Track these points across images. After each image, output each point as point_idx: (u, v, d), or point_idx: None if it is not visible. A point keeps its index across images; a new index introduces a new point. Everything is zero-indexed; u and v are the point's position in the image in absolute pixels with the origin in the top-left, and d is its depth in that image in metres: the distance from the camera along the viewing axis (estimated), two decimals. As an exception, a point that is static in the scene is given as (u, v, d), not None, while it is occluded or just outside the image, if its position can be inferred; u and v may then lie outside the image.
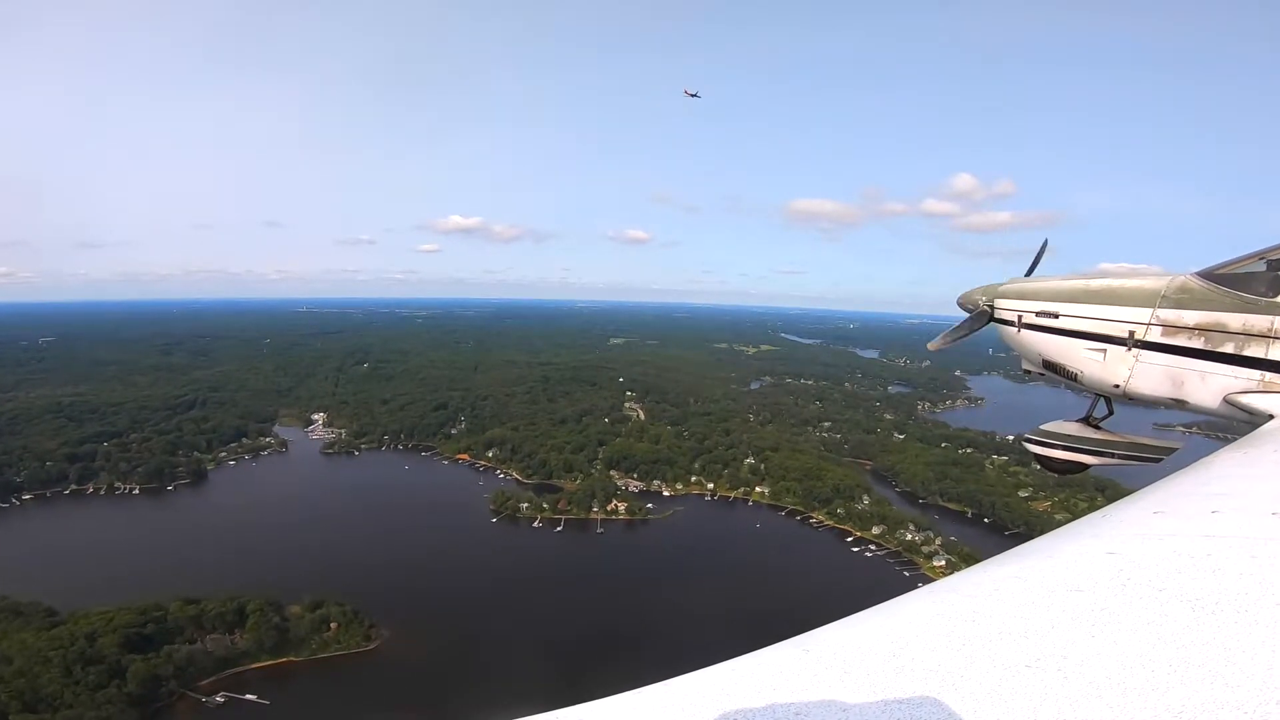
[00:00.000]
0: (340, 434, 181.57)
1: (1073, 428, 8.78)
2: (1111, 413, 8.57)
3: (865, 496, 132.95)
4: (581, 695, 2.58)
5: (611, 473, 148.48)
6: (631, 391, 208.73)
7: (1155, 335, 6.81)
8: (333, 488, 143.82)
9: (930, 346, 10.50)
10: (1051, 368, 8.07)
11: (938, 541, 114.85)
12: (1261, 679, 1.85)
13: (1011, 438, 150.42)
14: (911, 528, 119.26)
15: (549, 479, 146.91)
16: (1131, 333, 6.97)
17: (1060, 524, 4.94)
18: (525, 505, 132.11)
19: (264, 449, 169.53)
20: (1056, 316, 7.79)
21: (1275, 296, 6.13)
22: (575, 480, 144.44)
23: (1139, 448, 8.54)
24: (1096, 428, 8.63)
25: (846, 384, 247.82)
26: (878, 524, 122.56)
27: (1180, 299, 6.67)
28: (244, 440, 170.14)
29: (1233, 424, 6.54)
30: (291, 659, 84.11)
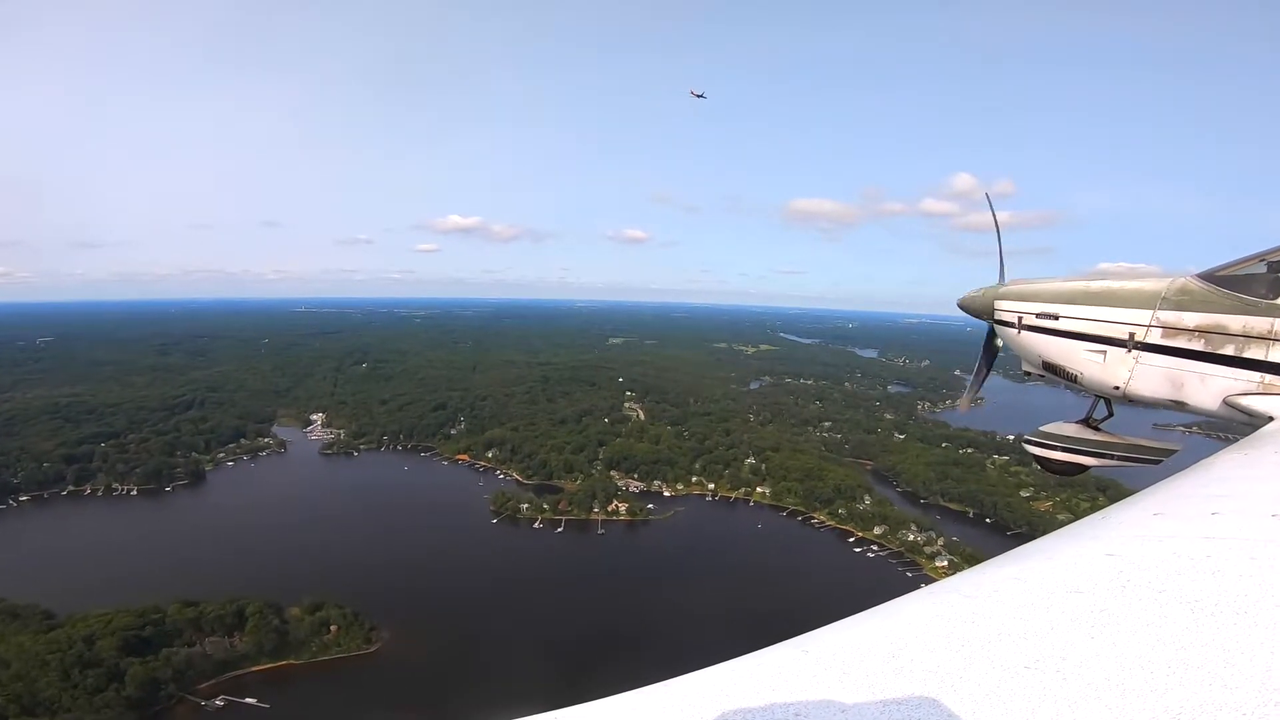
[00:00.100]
0: (339, 434, 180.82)
1: (1072, 429, 8.80)
2: (1111, 414, 8.57)
3: (866, 497, 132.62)
4: (581, 695, 2.60)
5: (612, 473, 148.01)
6: (631, 391, 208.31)
7: (1155, 337, 6.81)
8: (332, 488, 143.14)
9: (961, 411, 10.56)
10: (1051, 369, 8.08)
11: (940, 542, 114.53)
12: (1260, 680, 1.86)
13: (1012, 438, 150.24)
14: (913, 528, 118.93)
15: (549, 479, 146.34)
16: (1131, 334, 6.98)
17: (1062, 524, 4.79)
18: (525, 506, 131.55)
19: (262, 449, 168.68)
20: (1056, 318, 7.80)
21: (1275, 298, 6.12)
22: (576, 481, 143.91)
23: (1138, 449, 8.58)
24: (1096, 429, 8.66)
25: (846, 384, 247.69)
26: (879, 524, 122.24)
27: (1180, 301, 6.67)
28: (242, 441, 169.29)
29: (1232, 425, 6.52)
30: (291, 662, 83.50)
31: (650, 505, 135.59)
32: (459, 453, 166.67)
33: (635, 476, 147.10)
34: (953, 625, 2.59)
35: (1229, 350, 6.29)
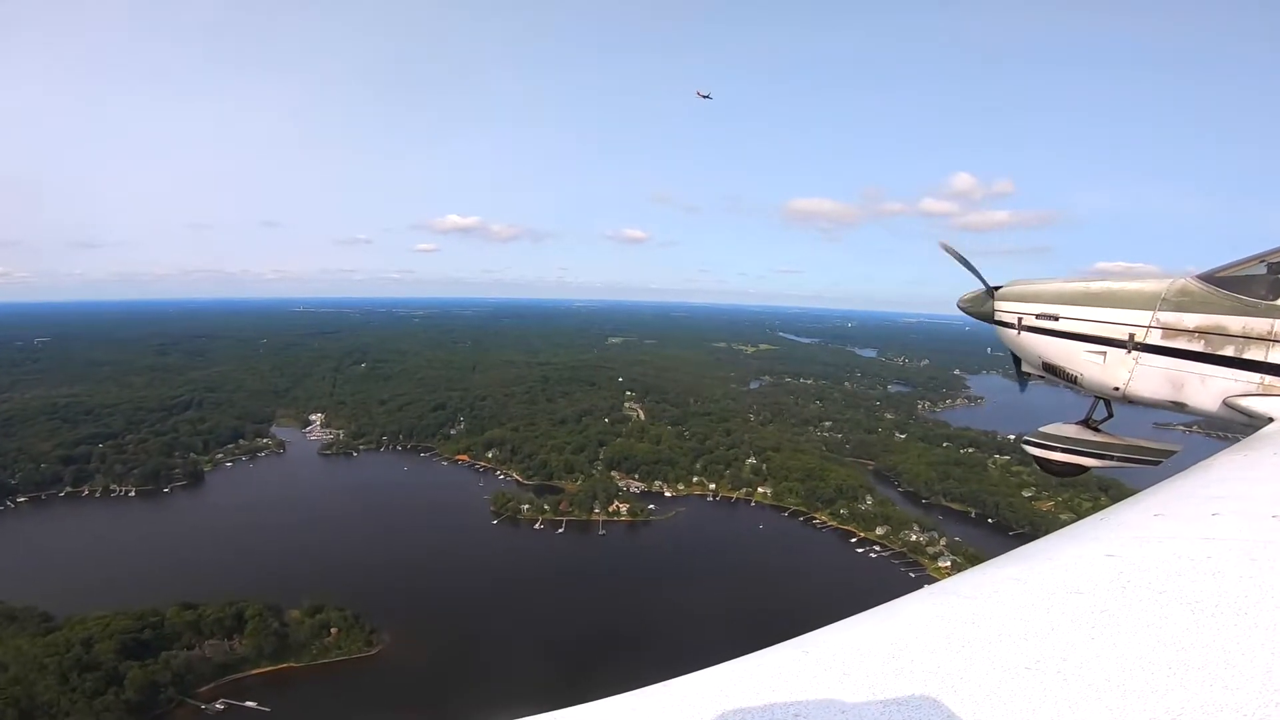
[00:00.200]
0: (338, 435, 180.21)
1: (1072, 430, 8.74)
2: (1111, 415, 8.52)
3: (868, 497, 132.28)
4: (581, 696, 2.62)
5: (612, 473, 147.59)
6: (631, 391, 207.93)
7: (1155, 338, 6.82)
8: (331, 489, 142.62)
9: (1022, 391, 10.45)
10: (1051, 370, 8.07)
11: (942, 542, 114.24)
12: (1261, 681, 1.86)
13: (1013, 437, 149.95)
14: (916, 528, 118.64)
15: (549, 480, 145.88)
16: (1131, 335, 6.98)
17: (1064, 524, 4.76)
18: (526, 507, 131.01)
19: (261, 450, 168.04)
20: (1056, 319, 7.79)
21: (1275, 299, 6.12)
22: (576, 481, 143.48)
23: (1138, 450, 8.55)
24: (1096, 430, 8.61)
25: (846, 383, 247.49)
26: (881, 525, 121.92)
27: (1180, 302, 6.67)
28: (241, 441, 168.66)
29: (1232, 425, 6.52)
30: (292, 665, 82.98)
31: (651, 506, 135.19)
32: (459, 453, 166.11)
33: (636, 477, 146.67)
34: (953, 626, 2.59)
35: (1229, 351, 6.30)
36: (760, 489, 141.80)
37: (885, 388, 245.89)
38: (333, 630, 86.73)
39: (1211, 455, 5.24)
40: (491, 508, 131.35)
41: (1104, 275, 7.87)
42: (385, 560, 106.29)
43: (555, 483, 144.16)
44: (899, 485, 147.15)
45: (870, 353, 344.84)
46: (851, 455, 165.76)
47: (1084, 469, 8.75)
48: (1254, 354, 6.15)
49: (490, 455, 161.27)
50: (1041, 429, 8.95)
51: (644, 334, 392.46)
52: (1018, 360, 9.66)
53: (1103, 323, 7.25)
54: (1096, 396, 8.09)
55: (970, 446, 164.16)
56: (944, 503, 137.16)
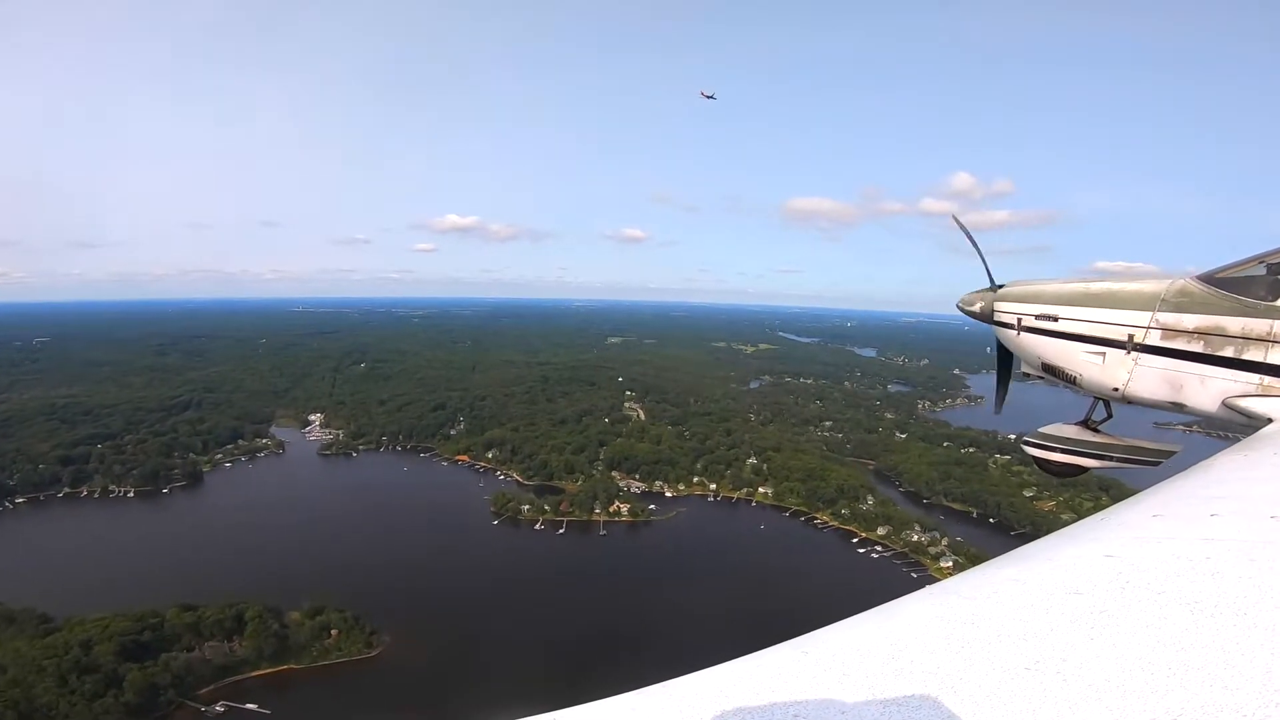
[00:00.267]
0: (338, 435, 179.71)
1: (1071, 431, 8.76)
2: (1110, 415, 8.53)
3: (869, 497, 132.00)
4: (582, 696, 2.62)
5: (613, 474, 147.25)
6: (631, 391, 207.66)
7: (1154, 339, 6.85)
8: (331, 490, 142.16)
9: (996, 414, 10.67)
10: (1051, 371, 8.08)
11: (944, 542, 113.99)
12: (1260, 682, 1.87)
13: (1014, 437, 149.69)
14: (917, 528, 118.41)
15: (550, 480, 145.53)
16: (1131, 336, 7.00)
17: (1066, 524, 4.73)
18: (526, 507, 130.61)
19: (260, 450, 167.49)
20: (1056, 320, 7.80)
21: (1274, 300, 6.13)
22: (576, 481, 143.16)
23: (1137, 451, 8.57)
24: (1095, 431, 8.63)
25: (846, 383, 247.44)
26: (883, 525, 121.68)
27: (1179, 302, 6.70)
28: (240, 442, 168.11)
29: (1232, 425, 6.53)
30: (292, 666, 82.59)
31: (652, 506, 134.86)
32: (459, 453, 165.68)
33: (636, 477, 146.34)
34: (952, 626, 2.59)
35: (1228, 352, 6.32)
36: (761, 489, 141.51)
37: (885, 387, 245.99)
38: (333, 632, 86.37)
39: (1211, 456, 5.23)
40: (492, 508, 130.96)
41: (1103, 275, 7.92)
42: (385, 561, 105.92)
43: (556, 483, 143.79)
44: (900, 485, 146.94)
45: (870, 352, 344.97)
46: (852, 455, 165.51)
47: (1083, 470, 8.77)
48: (1253, 355, 6.17)
49: (490, 455, 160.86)
50: (1041, 429, 8.95)
51: (643, 334, 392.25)
52: (1002, 374, 9.81)
53: (1102, 323, 7.26)
54: (1096, 397, 8.10)
55: (971, 446, 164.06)
56: (945, 503, 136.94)
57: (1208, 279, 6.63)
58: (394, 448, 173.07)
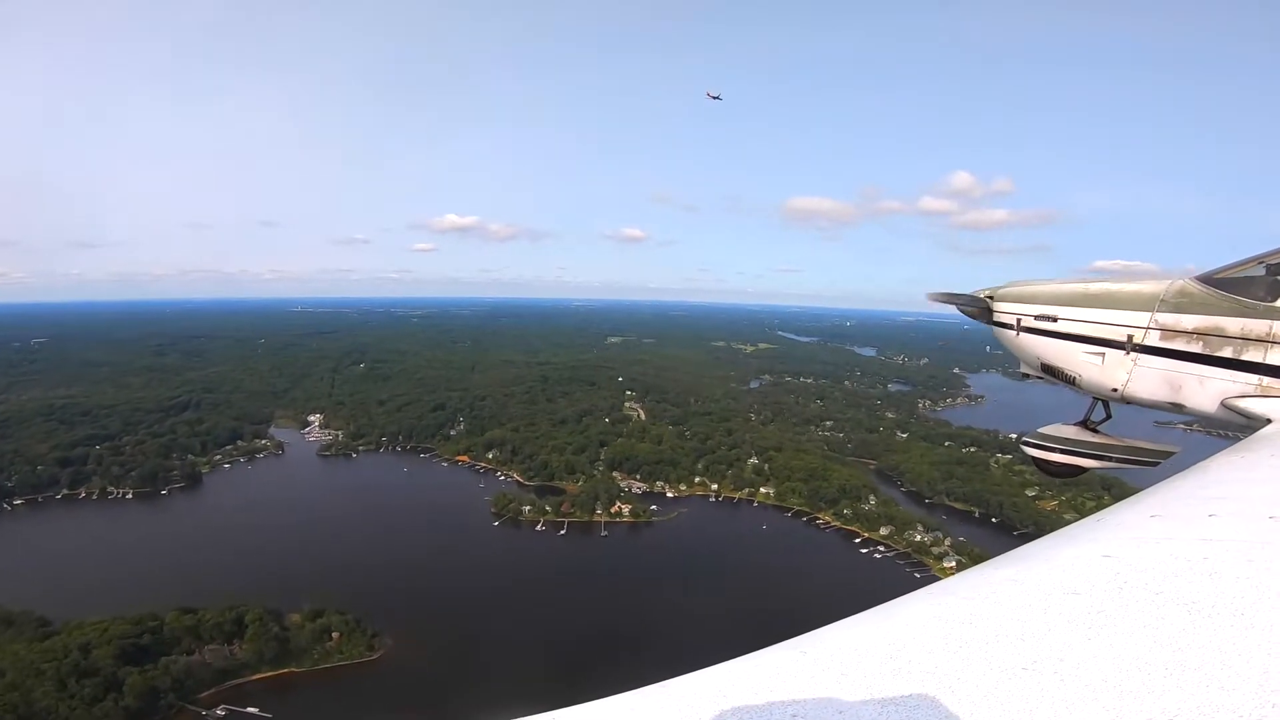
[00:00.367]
0: (337, 435, 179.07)
1: (1071, 431, 8.73)
2: (1110, 416, 8.52)
3: (871, 497, 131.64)
4: (582, 696, 2.62)
5: (614, 474, 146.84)
6: (631, 391, 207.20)
7: (1154, 339, 6.86)
8: (331, 491, 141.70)
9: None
10: (1050, 371, 8.09)
11: (947, 542, 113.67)
12: (1258, 682, 1.87)
13: (1014, 436, 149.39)
14: (920, 528, 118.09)
15: (550, 481, 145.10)
16: (1130, 336, 7.02)
17: (1068, 524, 4.66)
18: (527, 508, 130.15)
19: (260, 451, 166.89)
20: (1055, 320, 7.80)
21: (1274, 301, 6.13)
22: (577, 482, 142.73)
23: (1137, 451, 8.56)
24: (1094, 431, 8.62)
25: (846, 382, 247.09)
26: (885, 524, 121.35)
27: (1179, 303, 6.71)
28: (239, 442, 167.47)
29: (1232, 426, 6.53)
30: (293, 670, 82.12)
31: (653, 506, 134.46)
32: (459, 454, 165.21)
33: (638, 477, 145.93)
34: (951, 626, 2.60)
35: (1227, 353, 6.34)
36: (763, 489, 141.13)
37: (885, 386, 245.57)
38: (334, 635, 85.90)
39: (1209, 456, 5.22)
40: (493, 509, 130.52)
41: (1102, 275, 7.95)
42: (386, 562, 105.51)
43: (556, 484, 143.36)
44: (902, 485, 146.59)
45: (870, 351, 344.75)
46: (853, 455, 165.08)
47: (1082, 470, 8.76)
48: (1252, 355, 6.18)
49: (491, 456, 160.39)
50: (1040, 430, 8.92)
51: (643, 333, 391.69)
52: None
53: (1101, 324, 7.27)
54: (1095, 397, 8.10)
55: (972, 445, 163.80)
56: (947, 503, 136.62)
57: (1207, 279, 6.66)
58: (394, 448, 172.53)
